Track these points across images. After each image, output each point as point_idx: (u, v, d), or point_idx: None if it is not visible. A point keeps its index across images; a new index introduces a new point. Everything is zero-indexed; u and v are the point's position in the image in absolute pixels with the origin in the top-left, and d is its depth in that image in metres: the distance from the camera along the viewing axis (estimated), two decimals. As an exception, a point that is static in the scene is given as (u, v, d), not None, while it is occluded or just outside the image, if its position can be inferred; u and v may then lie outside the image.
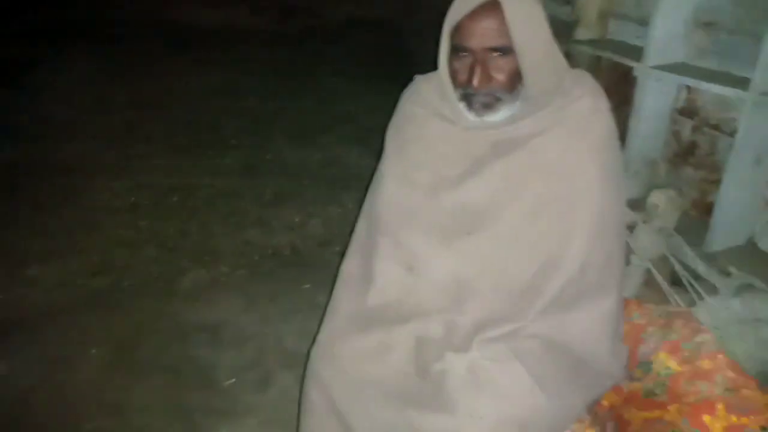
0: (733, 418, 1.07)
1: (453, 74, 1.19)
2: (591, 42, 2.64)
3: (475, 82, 1.13)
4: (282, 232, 2.79)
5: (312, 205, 3.00)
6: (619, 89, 2.63)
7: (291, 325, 2.18)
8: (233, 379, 1.97)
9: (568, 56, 2.72)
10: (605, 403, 1.27)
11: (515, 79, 1.15)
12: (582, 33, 2.67)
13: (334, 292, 1.34)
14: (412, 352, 1.17)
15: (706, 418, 1.09)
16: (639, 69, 2.28)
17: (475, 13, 1.11)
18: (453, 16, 1.14)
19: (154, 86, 4.47)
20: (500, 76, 1.14)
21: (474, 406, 1.06)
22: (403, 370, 1.16)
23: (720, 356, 1.20)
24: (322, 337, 1.27)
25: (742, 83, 1.87)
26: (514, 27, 1.09)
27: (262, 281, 2.45)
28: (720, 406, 1.10)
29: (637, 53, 2.32)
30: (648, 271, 1.88)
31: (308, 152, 3.58)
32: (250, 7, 6.24)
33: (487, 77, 1.14)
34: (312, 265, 2.57)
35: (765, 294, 1.69)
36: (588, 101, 1.20)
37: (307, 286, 2.41)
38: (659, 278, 1.77)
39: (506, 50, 1.12)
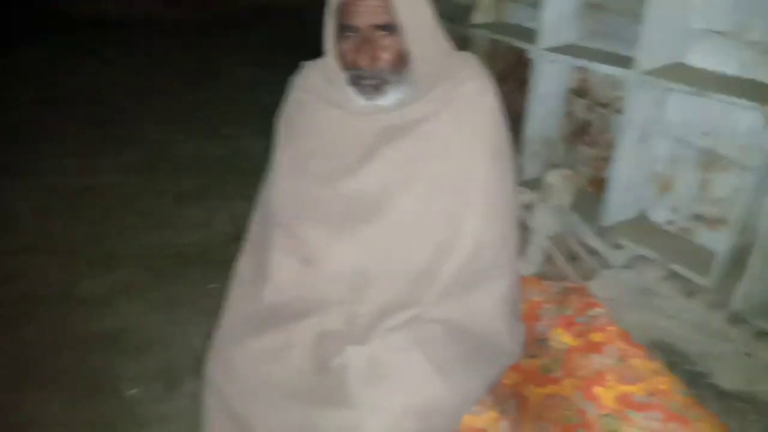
0: (623, 387, 1.11)
1: (340, 56, 1.16)
2: (488, 25, 2.69)
3: (363, 60, 1.11)
4: (187, 231, 2.68)
5: (218, 201, 2.90)
6: (517, 71, 2.70)
7: (198, 328, 2.09)
8: (134, 390, 1.87)
9: (467, 40, 2.76)
10: (506, 382, 1.29)
11: (402, 59, 1.14)
12: (479, 17, 2.71)
13: (229, 291, 1.29)
14: (311, 349, 1.15)
15: (597, 389, 1.12)
16: (533, 51, 2.34)
17: None
18: None
19: (61, 83, 4.20)
20: (387, 56, 1.12)
21: (374, 399, 1.05)
22: (302, 368, 1.13)
23: (611, 328, 1.25)
24: (216, 341, 1.23)
25: (627, 63, 1.96)
26: (399, 4, 1.08)
27: (167, 283, 2.34)
28: (611, 377, 1.14)
29: (531, 36, 2.38)
30: (548, 249, 1.93)
31: (216, 145, 3.46)
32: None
33: (374, 57, 1.12)
34: (219, 263, 2.44)
35: (655, 264, 1.78)
36: (474, 84, 1.21)
37: (215, 285, 2.31)
38: (557, 255, 1.82)
39: (392, 28, 1.11)
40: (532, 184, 2.20)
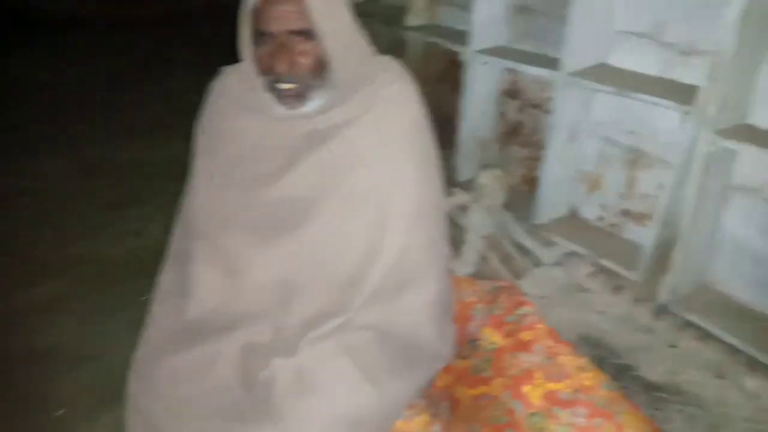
0: (550, 385, 1.13)
1: (257, 61, 1.13)
2: (421, 28, 2.70)
3: (279, 67, 1.08)
4: (121, 240, 2.58)
5: (152, 209, 2.80)
6: (451, 73, 2.72)
7: (131, 342, 2.02)
8: (62, 410, 1.79)
9: (401, 42, 2.77)
10: (439, 383, 1.29)
11: (321, 64, 1.12)
12: (412, 19, 2.72)
13: (152, 306, 1.25)
14: (237, 363, 1.12)
15: (526, 388, 1.13)
16: (465, 53, 2.36)
17: None
18: (251, 0, 1.08)
19: None
20: (305, 61, 1.10)
21: (301, 411, 1.03)
22: (228, 383, 1.10)
23: (539, 326, 1.26)
24: (138, 358, 1.18)
25: (555, 64, 2.00)
26: (315, 9, 1.06)
27: (98, 297, 2.24)
28: (538, 375, 1.15)
29: (463, 38, 2.40)
30: (482, 249, 1.95)
31: (150, 150, 3.33)
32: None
33: (292, 62, 1.10)
34: (154, 274, 2.39)
35: (584, 260, 1.82)
36: (396, 87, 1.20)
37: (146, 297, 2.24)
38: (490, 255, 1.84)
39: (309, 34, 1.09)
40: (467, 185, 2.22)
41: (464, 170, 2.51)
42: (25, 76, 4.22)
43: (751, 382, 1.39)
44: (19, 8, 5.29)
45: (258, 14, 1.08)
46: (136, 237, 2.61)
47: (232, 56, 1.26)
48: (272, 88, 1.13)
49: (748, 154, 1.60)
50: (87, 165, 3.14)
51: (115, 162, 3.20)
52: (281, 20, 1.07)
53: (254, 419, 1.04)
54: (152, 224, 2.71)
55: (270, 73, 1.12)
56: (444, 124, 2.68)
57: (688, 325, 1.59)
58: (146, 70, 4.46)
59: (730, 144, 1.54)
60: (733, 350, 1.50)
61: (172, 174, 3.08)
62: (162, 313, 1.22)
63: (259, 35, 1.10)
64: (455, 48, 2.47)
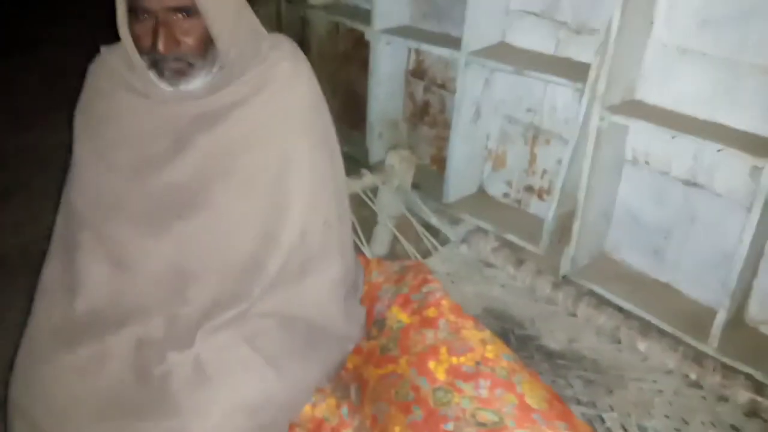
0: (453, 359, 1.14)
1: (136, 40, 1.06)
2: (326, 7, 2.65)
3: (161, 46, 1.02)
4: (8, 232, 2.40)
5: (42, 199, 2.61)
6: (359, 53, 2.69)
7: (17, 345, 1.88)
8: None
9: (306, 21, 2.71)
10: (349, 365, 1.28)
11: (206, 43, 1.07)
12: (316, -2, 2.66)
13: (34, 303, 1.16)
14: (130, 359, 1.06)
15: (431, 364, 1.14)
16: (369, 33, 2.34)
17: None
18: None
19: None
20: (188, 40, 1.04)
21: (199, 403, 0.99)
22: (120, 380, 1.04)
23: (444, 302, 1.27)
24: (20, 359, 1.10)
25: (457, 44, 2.01)
26: None
27: (-19, 295, 2.08)
28: (443, 350, 1.16)
29: (368, 17, 2.37)
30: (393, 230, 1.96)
31: (34, 137, 3.10)
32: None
33: (174, 41, 1.03)
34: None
35: (487, 235, 1.86)
36: (287, 66, 1.16)
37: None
38: (399, 235, 1.85)
39: (190, 10, 1.03)
40: (378, 167, 2.21)
41: (375, 151, 2.50)
42: None
43: (642, 345, 1.47)
44: None
45: None
46: (24, 229, 2.44)
47: (112, 38, 1.18)
48: (153, 64, 1.06)
49: (637, 129, 1.68)
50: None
51: (2, 149, 2.96)
52: None
53: (150, 415, 0.99)
54: (42, 215, 2.52)
55: (150, 53, 1.05)
56: (354, 104, 2.67)
57: (587, 293, 1.66)
58: (15, 53, 4.12)
59: (620, 119, 1.61)
60: (628, 315, 1.58)
61: (61, 162, 2.90)
62: (45, 309, 1.13)
63: (136, 12, 1.03)
64: (359, 27, 2.44)
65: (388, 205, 1.93)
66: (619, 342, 1.51)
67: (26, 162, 2.89)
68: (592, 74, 1.63)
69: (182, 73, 1.07)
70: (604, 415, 1.29)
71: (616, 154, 1.78)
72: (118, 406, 1.02)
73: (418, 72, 2.46)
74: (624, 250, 1.88)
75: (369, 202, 1.94)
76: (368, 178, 1.94)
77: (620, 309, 1.61)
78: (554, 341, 1.49)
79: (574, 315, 1.59)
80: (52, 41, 4.31)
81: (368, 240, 1.99)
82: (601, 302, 1.61)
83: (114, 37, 1.25)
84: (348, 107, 2.78)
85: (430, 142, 2.50)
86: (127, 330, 1.08)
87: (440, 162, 2.45)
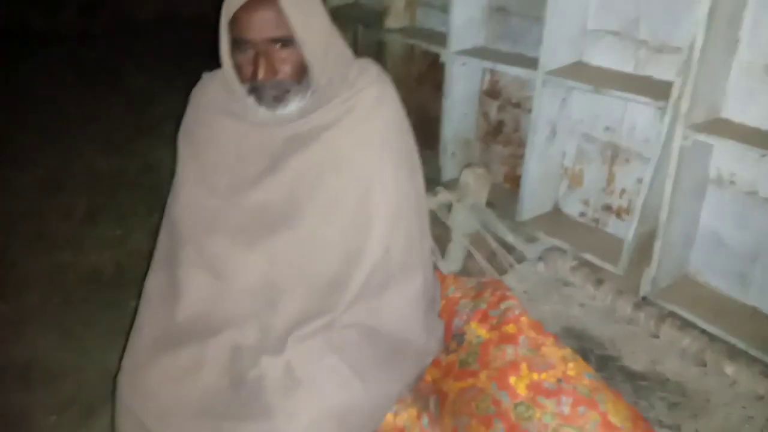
0: (534, 376, 1.15)
1: (237, 68, 1.14)
2: (401, 30, 2.72)
3: (260, 74, 1.10)
4: (101, 250, 2.56)
5: (132, 217, 2.79)
6: (433, 75, 2.75)
7: (115, 350, 1.97)
8: (54, 417, 1.77)
9: (382, 45, 2.79)
10: (428, 378, 1.31)
11: (300, 70, 1.14)
12: (392, 21, 2.74)
13: (139, 311, 1.25)
14: (226, 364, 1.13)
15: (512, 379, 1.16)
16: (445, 54, 2.39)
17: (250, 4, 1.07)
18: (228, 8, 1.10)
19: None
20: (285, 68, 1.12)
21: (290, 407, 1.04)
22: (217, 383, 1.11)
23: (523, 318, 1.28)
24: (126, 362, 1.19)
25: (533, 63, 2.03)
26: (292, 16, 1.08)
27: (80, 307, 2.23)
28: (523, 366, 1.18)
29: (442, 39, 2.43)
30: (467, 246, 1.98)
31: (122, 160, 3.31)
32: (42, 5, 5.60)
33: (272, 69, 1.11)
34: (138, 281, 2.35)
35: (564, 254, 1.85)
36: (374, 90, 1.22)
37: (134, 304, 2.22)
38: (474, 252, 1.87)
39: (288, 41, 1.10)
40: (451, 184, 2.24)
41: (448, 170, 2.54)
42: None
43: (730, 369, 1.42)
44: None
45: (237, 22, 1.09)
46: (117, 246, 2.60)
47: (188, 67, 1.26)
48: (253, 91, 1.14)
49: (722, 148, 1.64)
50: (58, 179, 3.10)
51: (89, 173, 3.18)
52: (260, 28, 1.08)
53: (244, 417, 1.05)
54: (133, 233, 2.70)
55: (251, 81, 1.13)
56: (427, 125, 2.72)
57: (669, 315, 1.62)
58: (103, 83, 4.40)
59: (704, 138, 1.57)
60: (713, 338, 1.53)
61: (151, 183, 3.09)
62: (150, 317, 1.22)
63: (239, 43, 1.11)
64: (434, 49, 2.49)
65: (462, 223, 1.95)
66: (705, 365, 1.46)
67: (115, 184, 3.09)
68: (674, 93, 1.61)
69: (279, 99, 1.14)
70: (691, 440, 1.26)
71: (699, 173, 1.74)
72: (215, 407, 1.08)
73: (492, 92, 2.49)
74: (707, 272, 1.82)
75: (444, 220, 1.97)
76: (443, 195, 1.97)
77: (704, 332, 1.57)
78: (636, 362, 1.46)
79: (656, 336, 1.56)
80: (135, 71, 4.60)
81: (442, 257, 2.02)
82: (684, 324, 1.57)
83: (193, 67, 1.35)
84: (421, 128, 2.81)
85: (503, 161, 2.51)
86: (224, 337, 1.15)
87: (513, 180, 2.45)
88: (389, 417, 1.17)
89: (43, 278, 2.36)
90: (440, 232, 2.04)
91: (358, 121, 1.20)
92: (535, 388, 1.12)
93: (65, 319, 2.16)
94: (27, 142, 3.47)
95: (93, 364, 1.96)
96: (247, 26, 1.08)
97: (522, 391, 1.12)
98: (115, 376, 1.22)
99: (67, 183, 3.07)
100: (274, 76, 1.12)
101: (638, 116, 1.93)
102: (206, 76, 1.29)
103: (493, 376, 1.17)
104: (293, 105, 1.16)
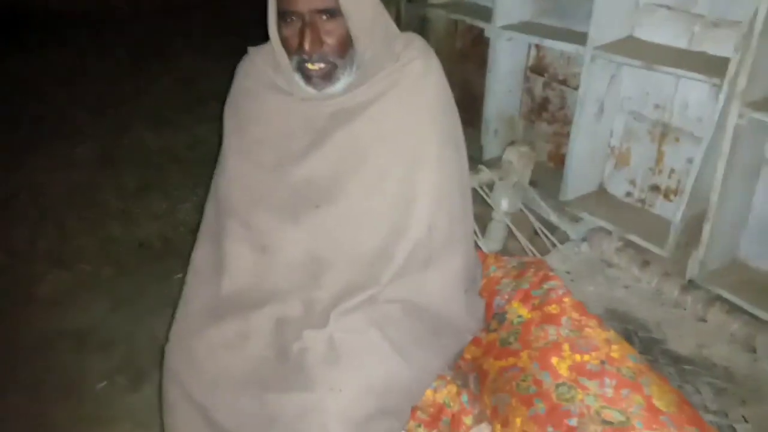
0: (577, 357, 1.14)
1: (284, 42, 1.15)
2: (445, 5, 2.68)
3: (307, 45, 1.10)
4: (149, 223, 2.65)
5: (179, 191, 2.86)
6: (477, 51, 2.71)
7: (163, 319, 2.04)
8: (104, 382, 1.86)
9: (425, 20, 2.75)
10: (467, 356, 1.31)
11: (346, 43, 1.14)
12: (436, -3, 2.70)
13: (186, 282, 1.29)
14: (271, 336, 1.15)
15: (554, 359, 1.15)
16: (490, 29, 2.34)
17: None
18: None
19: None
20: (331, 40, 1.12)
21: (333, 380, 1.06)
22: (262, 355, 1.13)
23: (566, 299, 1.27)
24: (175, 332, 1.22)
25: (581, 39, 1.97)
26: None
27: (130, 276, 2.32)
28: (566, 347, 1.16)
29: (487, 14, 2.38)
30: (509, 226, 1.96)
31: (171, 135, 3.39)
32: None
33: (319, 41, 1.11)
34: (184, 253, 2.40)
35: (610, 235, 1.81)
36: (419, 64, 1.21)
37: (180, 275, 2.29)
38: (516, 232, 1.85)
39: (334, 12, 1.10)
40: (493, 163, 2.21)
41: (490, 148, 2.51)
42: (29, 68, 4.23)
43: (782, 356, 1.39)
44: (41, 5, 5.34)
45: None
46: (166, 219, 2.68)
47: (234, 43, 1.27)
48: (300, 68, 1.15)
49: (780, 127, 1.57)
50: (110, 153, 3.21)
51: (138, 148, 3.27)
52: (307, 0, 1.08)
53: (288, 388, 1.07)
54: (181, 206, 2.77)
55: (297, 53, 1.13)
56: (469, 102, 2.69)
57: (718, 299, 1.58)
58: (152, 61, 4.48)
59: (761, 116, 1.51)
60: (763, 324, 1.49)
61: (196, 156, 3.16)
62: (197, 288, 1.25)
63: (285, 15, 1.11)
64: (479, 24, 2.45)
65: (505, 202, 1.93)
66: (755, 351, 1.42)
67: (162, 159, 3.18)
68: (731, 69, 1.54)
69: (328, 77, 1.14)
70: (737, 426, 1.23)
71: (755, 154, 1.67)
72: (260, 378, 1.11)
73: (538, 68, 2.44)
74: (759, 256, 1.76)
75: (485, 198, 1.95)
76: (485, 174, 1.95)
77: (754, 317, 1.52)
78: (682, 346, 1.44)
79: (704, 320, 1.52)
80: (183, 48, 4.68)
81: (482, 236, 2.01)
82: (733, 309, 1.53)
83: (239, 44, 1.35)
84: (463, 104, 2.78)
85: (547, 139, 2.46)
86: (268, 309, 1.17)
87: (558, 159, 2.41)
88: (429, 393, 1.18)
89: (96, 248, 2.46)
90: (481, 211, 2.02)
91: (404, 95, 1.20)
92: (577, 369, 1.11)
93: (116, 288, 2.25)
94: (81, 117, 3.58)
95: (142, 333, 2.04)
96: None
97: (564, 371, 1.11)
98: (163, 345, 1.27)
99: (117, 156, 3.17)
100: (321, 47, 1.11)
101: (690, 94, 1.86)
102: (252, 51, 1.30)
103: (535, 356, 1.16)
104: (341, 83, 1.17)
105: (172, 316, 1.96)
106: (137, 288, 2.25)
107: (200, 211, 2.79)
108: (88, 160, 3.13)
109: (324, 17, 1.10)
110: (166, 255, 2.45)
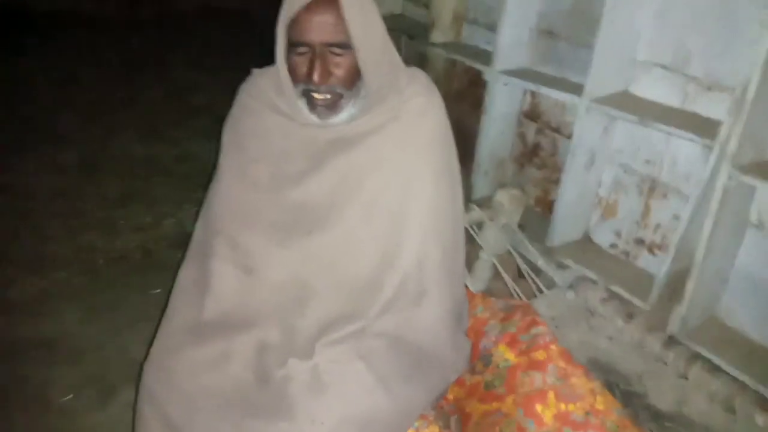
0: (562, 406, 1.14)
1: (291, 69, 1.15)
2: (445, 45, 2.72)
3: (316, 77, 1.11)
4: (130, 234, 2.60)
5: (164, 204, 2.82)
6: (473, 92, 2.75)
7: (137, 334, 2.03)
8: (70, 396, 1.79)
9: (424, 58, 2.79)
10: (450, 396, 1.30)
11: (354, 75, 1.14)
12: (437, 36, 2.74)
13: (170, 300, 1.26)
14: (253, 359, 1.13)
15: (538, 407, 1.14)
16: (488, 73, 2.39)
17: (311, 7, 1.08)
18: (289, 10, 1.11)
19: None
20: (339, 72, 1.13)
21: (314, 411, 1.04)
22: (242, 378, 1.11)
23: (553, 346, 1.27)
24: (155, 350, 1.19)
25: (577, 89, 2.02)
26: (351, 22, 1.08)
27: (106, 287, 2.26)
28: (551, 395, 1.16)
29: (487, 58, 2.42)
30: (496, 266, 1.97)
31: (159, 147, 3.36)
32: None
33: (327, 73, 1.12)
34: (164, 267, 2.39)
35: (595, 285, 1.82)
36: (421, 100, 1.22)
37: (158, 290, 2.25)
38: (503, 273, 1.85)
39: (344, 46, 1.11)
40: (482, 203, 2.23)
41: (480, 187, 2.53)
42: (19, 71, 4.18)
43: (761, 419, 1.39)
44: (36, 6, 5.32)
45: (296, 24, 1.10)
46: (148, 231, 2.64)
47: (230, 59, 1.27)
48: (306, 95, 1.15)
49: (766, 191, 1.61)
50: (96, 161, 3.16)
51: (124, 158, 3.23)
52: (319, 32, 1.09)
53: (268, 415, 1.05)
54: (165, 219, 2.73)
55: (304, 83, 1.14)
56: (461, 140, 2.71)
57: (699, 356, 1.59)
58: (146, 70, 4.47)
59: (750, 180, 1.55)
60: (744, 386, 1.50)
61: (184, 170, 3.13)
62: (181, 307, 1.23)
63: (296, 45, 1.12)
64: (478, 67, 2.49)
65: (492, 242, 1.94)
66: (734, 412, 1.43)
67: (149, 170, 3.13)
68: (723, 132, 1.59)
69: (332, 107, 1.15)
70: (714, 487, 1.23)
71: (740, 215, 1.71)
72: (239, 402, 1.08)
73: (532, 114, 2.48)
74: (740, 316, 1.79)
75: (474, 237, 1.96)
76: (476, 213, 1.97)
77: (734, 378, 1.53)
78: (662, 402, 1.44)
79: (684, 377, 1.53)
80: (177, 60, 4.68)
81: (468, 274, 2.01)
82: (714, 368, 1.54)
83: (233, 61, 1.35)
84: (456, 144, 2.84)
85: (536, 184, 2.49)
86: (251, 333, 1.15)
87: (545, 204, 2.43)
88: (410, 432, 1.16)
89: (73, 256, 2.40)
90: (468, 250, 2.03)
91: (403, 129, 1.21)
92: (562, 418, 1.11)
93: (91, 298, 2.19)
94: (69, 120, 3.53)
95: (113, 346, 1.98)
96: (307, 29, 1.09)
97: (549, 420, 1.11)
98: (135, 360, 1.23)
99: (104, 164, 3.13)
100: (329, 79, 1.12)
101: (681, 152, 1.91)
102: (256, 72, 1.30)
103: (520, 402, 1.16)
104: (345, 114, 1.17)
105: (148, 331, 1.91)
106: (112, 300, 2.20)
107: (184, 225, 2.76)
108: (73, 166, 3.08)
109: (334, 50, 1.11)
110: (146, 268, 2.40)
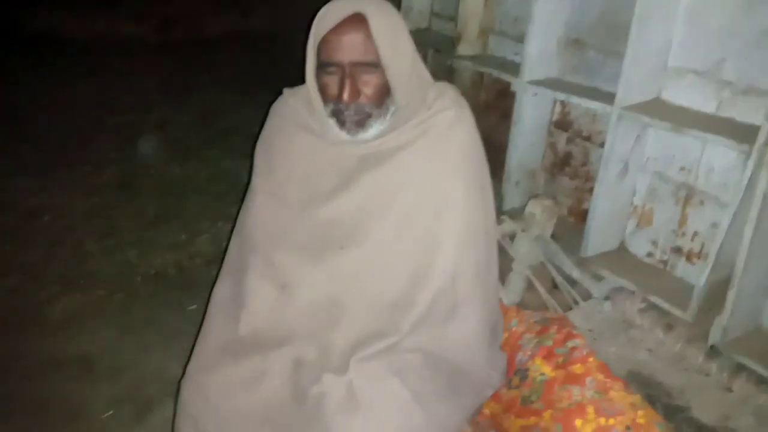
0: (602, 420, 1.11)
1: (321, 89, 1.16)
2: (473, 57, 2.72)
3: (346, 96, 1.12)
4: (166, 252, 2.64)
5: (199, 222, 2.87)
6: (501, 103, 2.74)
7: (174, 350, 2.05)
8: (110, 412, 1.82)
9: (452, 70, 2.80)
10: (486, 411, 1.28)
11: (383, 93, 1.15)
12: (464, 49, 2.75)
13: (206, 317, 1.27)
14: (288, 377, 1.13)
15: (577, 422, 1.12)
16: (517, 84, 2.38)
17: (340, 27, 1.09)
18: (318, 30, 1.12)
19: (15, 100, 4.09)
20: (369, 91, 1.14)
21: (350, 427, 1.03)
22: (278, 396, 1.11)
23: (591, 359, 1.25)
24: (191, 367, 1.21)
25: (608, 98, 1.99)
26: (381, 41, 1.09)
27: (143, 304, 2.30)
28: (590, 409, 1.14)
29: (515, 69, 2.42)
30: (529, 278, 1.94)
31: (193, 167, 3.42)
32: (128, 16, 5.92)
33: (357, 92, 1.13)
34: (199, 284, 2.43)
35: (633, 295, 1.79)
36: (450, 113, 1.22)
37: (194, 307, 2.29)
38: (537, 285, 1.83)
39: (374, 64, 1.12)
40: (514, 214, 2.21)
41: (510, 198, 2.51)
42: (60, 94, 4.31)
43: (811, 433, 1.34)
44: (71, 33, 5.50)
45: (325, 44, 1.12)
46: (183, 249, 2.68)
47: (259, 81, 1.30)
48: (336, 114, 1.16)
49: (808, 197, 1.57)
50: (132, 181, 3.24)
51: (159, 177, 3.30)
52: (348, 51, 1.11)
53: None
54: (199, 237, 2.77)
55: (334, 102, 1.15)
56: (490, 152, 2.70)
57: (743, 368, 1.54)
58: (179, 92, 4.56)
59: (791, 185, 1.51)
60: (790, 398, 1.45)
61: (217, 189, 3.18)
62: (216, 324, 1.24)
63: (325, 65, 1.13)
64: (506, 78, 2.48)
65: (525, 254, 1.92)
66: (782, 426, 1.39)
67: (184, 189, 3.20)
68: (761, 137, 1.55)
69: (362, 123, 1.16)
70: (764, 505, 1.19)
71: (781, 222, 1.66)
72: (276, 419, 1.09)
73: (562, 123, 2.46)
74: (784, 326, 1.73)
75: (507, 249, 1.94)
76: (508, 225, 1.95)
77: (780, 390, 1.48)
78: (706, 416, 1.40)
79: (729, 390, 1.49)
80: (208, 82, 4.78)
81: (501, 286, 1.99)
82: (761, 380, 1.49)
83: (261, 82, 1.38)
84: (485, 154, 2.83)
85: (568, 194, 2.47)
86: (286, 350, 1.15)
87: (578, 214, 2.40)
88: (447, 448, 1.15)
89: (110, 274, 2.45)
90: (501, 262, 2.01)
91: (433, 144, 1.21)
92: (602, 433, 1.08)
93: (128, 315, 2.23)
94: (105, 141, 3.63)
95: (150, 363, 2.01)
96: (336, 49, 1.11)
97: (588, 435, 1.09)
98: (171, 376, 1.24)
99: (139, 184, 3.20)
100: (358, 98, 1.13)
101: (716, 158, 1.86)
102: (287, 92, 1.32)
103: (558, 417, 1.14)
104: (374, 130, 1.18)
105: (184, 347, 1.94)
106: (149, 316, 2.23)
107: (218, 243, 2.79)
108: (110, 186, 3.16)
109: (364, 69, 1.12)
110: (181, 285, 2.44)
